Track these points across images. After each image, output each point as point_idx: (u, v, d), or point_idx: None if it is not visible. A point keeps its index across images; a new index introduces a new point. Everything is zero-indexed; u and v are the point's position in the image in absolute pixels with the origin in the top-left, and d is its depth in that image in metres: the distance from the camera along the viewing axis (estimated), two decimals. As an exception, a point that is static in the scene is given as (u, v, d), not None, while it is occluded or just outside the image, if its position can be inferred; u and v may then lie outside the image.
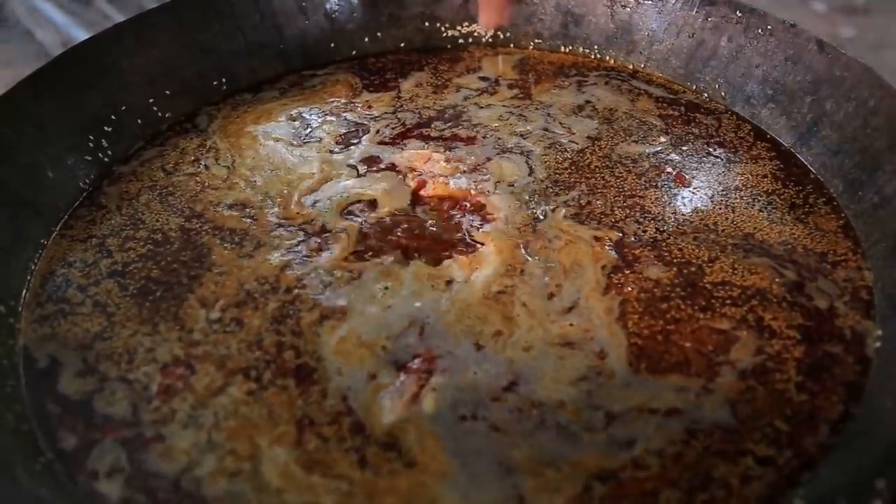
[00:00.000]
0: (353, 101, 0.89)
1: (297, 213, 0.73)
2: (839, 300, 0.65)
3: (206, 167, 0.79)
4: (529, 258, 0.68)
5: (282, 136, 0.84)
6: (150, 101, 0.84)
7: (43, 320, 0.64)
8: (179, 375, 0.60)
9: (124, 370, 0.60)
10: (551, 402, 0.57)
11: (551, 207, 0.73)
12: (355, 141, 0.83)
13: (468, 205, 0.74)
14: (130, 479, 0.54)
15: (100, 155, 0.78)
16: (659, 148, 0.81)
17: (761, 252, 0.69)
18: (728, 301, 0.64)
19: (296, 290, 0.66)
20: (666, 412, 0.57)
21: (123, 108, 0.81)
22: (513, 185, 0.76)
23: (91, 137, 0.78)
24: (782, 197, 0.75)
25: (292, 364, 0.60)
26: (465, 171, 0.78)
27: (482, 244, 0.70)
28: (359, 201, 0.75)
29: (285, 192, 0.76)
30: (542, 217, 0.72)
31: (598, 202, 0.74)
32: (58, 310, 0.65)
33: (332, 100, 0.89)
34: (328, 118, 0.86)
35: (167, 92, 0.85)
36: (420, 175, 0.77)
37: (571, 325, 0.62)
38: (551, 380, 0.59)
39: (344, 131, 0.84)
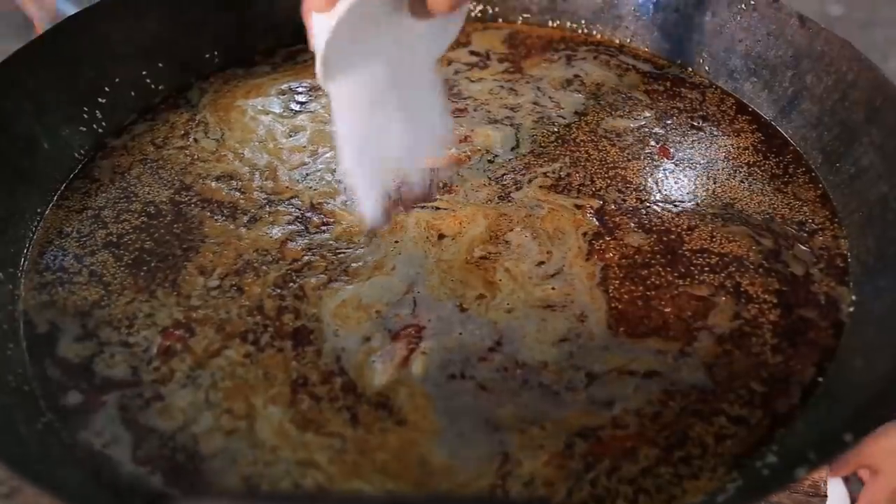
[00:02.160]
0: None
1: (286, 186, 0.75)
2: (814, 267, 0.67)
3: (196, 140, 0.81)
4: (514, 227, 0.70)
5: (272, 109, 0.85)
6: (143, 73, 0.85)
7: (41, 288, 0.66)
8: (179, 337, 0.62)
9: (124, 334, 0.62)
10: (534, 363, 0.60)
11: (527, 179, 0.75)
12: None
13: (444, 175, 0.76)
14: (129, 437, 0.56)
15: (94, 126, 0.80)
16: (643, 122, 0.83)
17: (740, 221, 0.71)
18: (706, 268, 0.67)
19: (305, 258, 0.68)
20: (644, 374, 0.59)
21: (117, 80, 0.82)
22: (496, 157, 0.78)
23: (85, 109, 0.79)
24: (763, 168, 0.77)
25: (291, 327, 0.62)
26: (454, 142, 0.79)
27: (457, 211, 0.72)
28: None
29: (274, 163, 0.77)
30: (514, 189, 0.74)
31: (577, 174, 0.76)
32: (56, 278, 0.67)
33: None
34: (319, 92, 0.87)
35: (160, 65, 0.86)
36: None
37: (553, 288, 0.65)
38: (534, 340, 0.61)
39: (335, 105, 0.85)
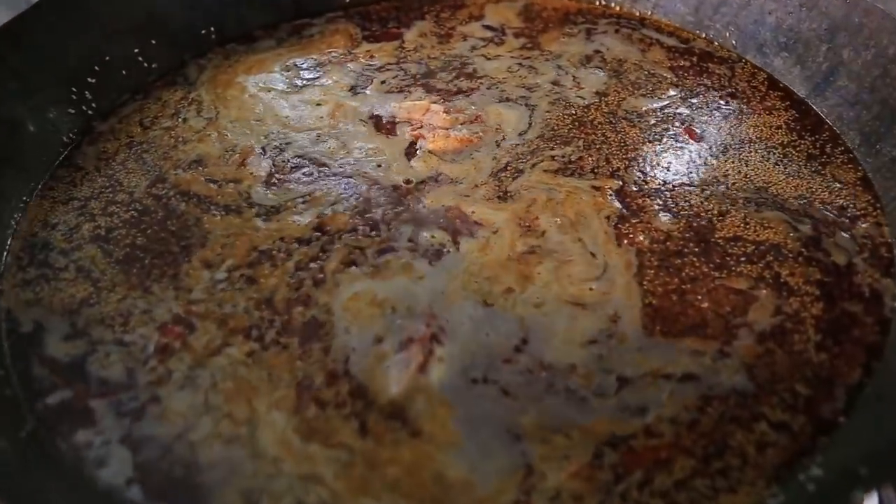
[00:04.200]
0: (353, 51, 0.85)
1: (250, 172, 0.70)
2: (858, 256, 0.63)
3: (185, 120, 0.76)
4: (540, 216, 0.65)
5: (274, 86, 0.80)
6: (136, 51, 0.80)
7: (25, 284, 0.62)
8: (178, 334, 0.58)
9: (119, 332, 0.58)
10: (561, 365, 0.55)
11: (530, 164, 0.70)
12: (360, 91, 0.79)
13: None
14: (123, 447, 0.52)
15: (83, 108, 0.75)
16: (667, 102, 0.77)
17: (775, 206, 0.66)
18: (743, 258, 0.62)
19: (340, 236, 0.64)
20: (681, 378, 0.54)
21: (107, 58, 0.77)
22: (503, 140, 0.73)
23: (74, 90, 0.74)
24: (798, 149, 0.72)
25: (300, 321, 0.58)
26: (464, 122, 0.75)
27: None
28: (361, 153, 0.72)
29: (252, 145, 0.73)
30: (512, 178, 0.69)
31: (590, 158, 0.71)
32: (40, 274, 0.62)
33: (329, 50, 0.85)
34: (327, 67, 0.83)
35: (153, 42, 0.81)
36: (420, 127, 0.74)
37: (591, 289, 0.60)
38: (561, 340, 0.56)
39: (347, 82, 0.81)
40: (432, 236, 0.64)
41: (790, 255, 0.62)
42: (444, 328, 0.57)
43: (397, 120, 0.75)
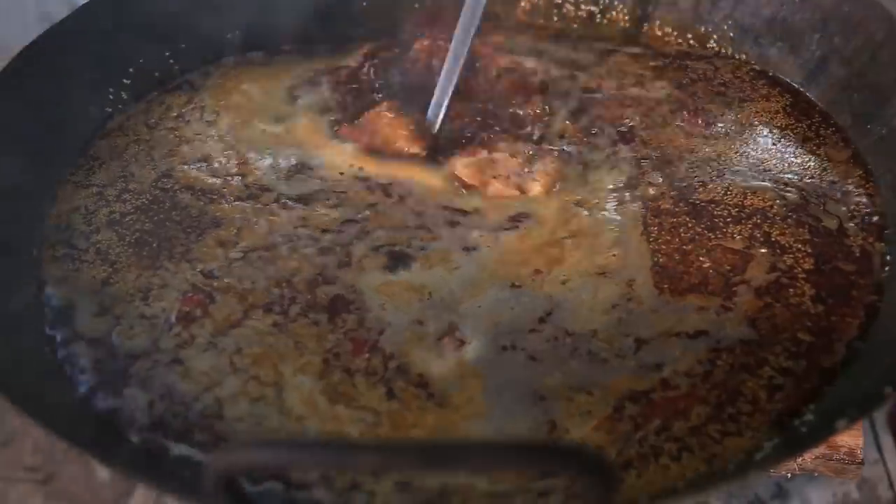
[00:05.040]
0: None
1: (255, 169, 0.73)
2: (849, 222, 0.66)
3: (188, 122, 0.78)
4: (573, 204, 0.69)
5: (275, 97, 0.81)
6: (167, 54, 0.83)
7: (56, 261, 0.64)
8: (199, 302, 0.60)
9: (141, 307, 0.60)
10: (584, 331, 0.58)
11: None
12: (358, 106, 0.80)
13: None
14: (154, 403, 0.55)
15: (120, 107, 0.79)
16: (669, 91, 0.81)
17: (763, 178, 0.70)
18: (730, 220, 0.66)
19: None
20: (691, 334, 0.57)
21: (141, 60, 0.81)
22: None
23: (111, 89, 0.78)
24: (795, 131, 0.75)
25: (326, 298, 0.61)
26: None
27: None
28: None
29: (249, 153, 0.75)
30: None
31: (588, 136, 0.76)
32: (66, 253, 0.65)
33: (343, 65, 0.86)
34: (334, 83, 0.83)
35: (182, 45, 0.84)
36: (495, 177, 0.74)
37: (615, 255, 0.64)
38: (588, 309, 0.60)
39: (349, 97, 0.82)
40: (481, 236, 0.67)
41: (777, 218, 0.66)
42: (471, 313, 0.60)
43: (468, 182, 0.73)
